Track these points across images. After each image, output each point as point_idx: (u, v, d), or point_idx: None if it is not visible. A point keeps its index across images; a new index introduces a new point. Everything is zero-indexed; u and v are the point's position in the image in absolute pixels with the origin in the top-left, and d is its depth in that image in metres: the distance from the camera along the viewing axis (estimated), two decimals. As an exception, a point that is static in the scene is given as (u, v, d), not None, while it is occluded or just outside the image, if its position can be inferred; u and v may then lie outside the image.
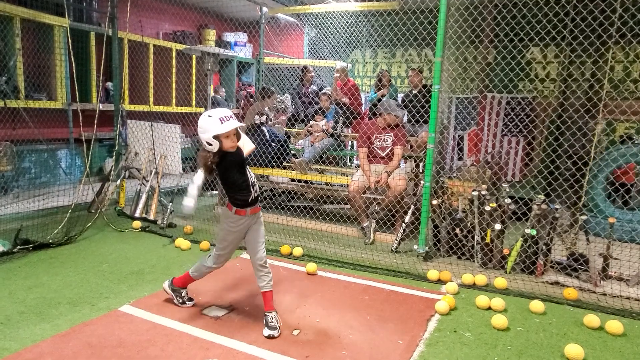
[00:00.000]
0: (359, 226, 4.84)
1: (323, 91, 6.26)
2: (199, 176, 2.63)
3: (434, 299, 3.21)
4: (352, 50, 8.53)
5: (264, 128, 5.63)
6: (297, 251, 4.11)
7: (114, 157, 5.57)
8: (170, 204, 4.96)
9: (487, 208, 3.95)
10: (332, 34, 7.32)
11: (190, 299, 3.01)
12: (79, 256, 3.86)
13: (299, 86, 7.14)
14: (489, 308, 3.11)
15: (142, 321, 2.75)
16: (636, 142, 5.10)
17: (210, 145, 2.49)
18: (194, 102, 7.74)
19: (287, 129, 6.55)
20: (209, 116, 2.48)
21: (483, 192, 4.04)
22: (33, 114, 5.19)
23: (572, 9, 4.27)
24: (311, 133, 5.94)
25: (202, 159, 2.56)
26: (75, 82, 5.09)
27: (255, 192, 2.68)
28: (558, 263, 3.78)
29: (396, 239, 4.38)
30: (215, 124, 2.44)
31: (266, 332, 2.64)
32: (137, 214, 5.06)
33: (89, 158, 4.95)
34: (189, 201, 2.60)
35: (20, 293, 3.08)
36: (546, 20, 3.97)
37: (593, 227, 4.18)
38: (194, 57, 7.48)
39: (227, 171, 2.59)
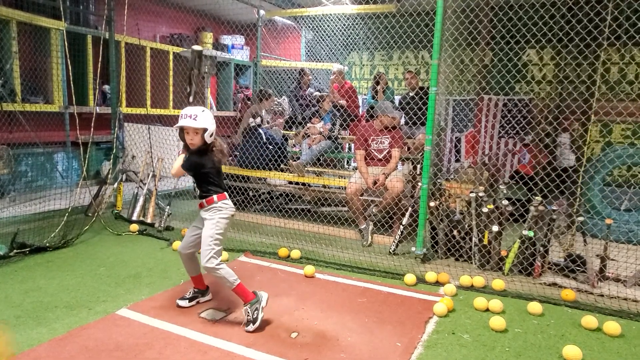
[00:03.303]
0: (357, 228, 4.84)
1: (323, 95, 6.27)
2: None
3: (432, 300, 3.21)
4: (349, 52, 8.55)
5: (260, 130, 5.63)
6: (295, 254, 4.10)
7: (111, 160, 5.56)
8: (168, 207, 4.95)
9: (485, 210, 3.96)
10: (329, 37, 7.34)
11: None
12: (76, 260, 3.84)
13: (296, 89, 7.14)
14: (487, 310, 3.11)
15: (139, 324, 2.74)
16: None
17: (211, 135, 2.77)
18: (191, 105, 7.72)
19: (285, 132, 6.56)
20: (202, 110, 2.73)
21: (480, 194, 4.04)
22: (30, 117, 5.17)
23: (567, 11, 4.29)
24: (308, 135, 5.94)
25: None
26: (72, 85, 5.09)
27: None
28: (556, 264, 3.78)
29: (394, 241, 4.38)
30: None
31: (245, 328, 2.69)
32: (134, 217, 5.05)
33: (86, 161, 4.93)
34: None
35: (17, 297, 3.07)
36: (542, 23, 3.99)
37: (590, 228, 4.19)
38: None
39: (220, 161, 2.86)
